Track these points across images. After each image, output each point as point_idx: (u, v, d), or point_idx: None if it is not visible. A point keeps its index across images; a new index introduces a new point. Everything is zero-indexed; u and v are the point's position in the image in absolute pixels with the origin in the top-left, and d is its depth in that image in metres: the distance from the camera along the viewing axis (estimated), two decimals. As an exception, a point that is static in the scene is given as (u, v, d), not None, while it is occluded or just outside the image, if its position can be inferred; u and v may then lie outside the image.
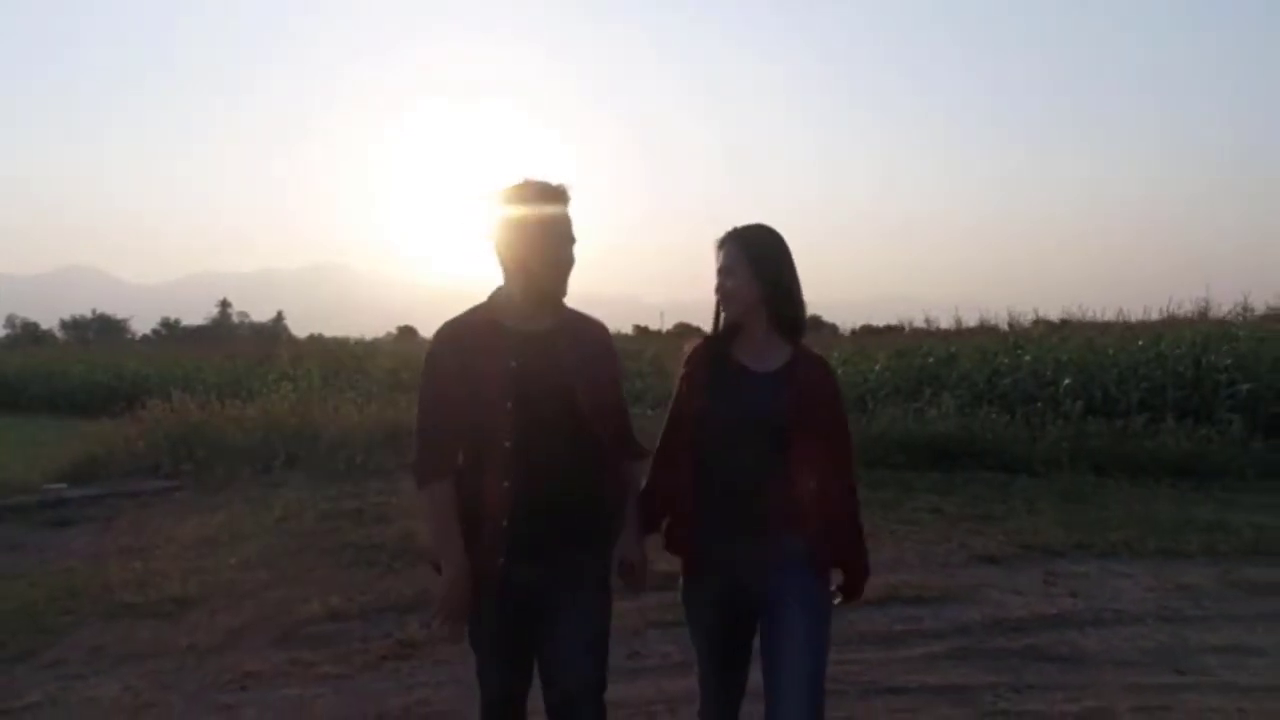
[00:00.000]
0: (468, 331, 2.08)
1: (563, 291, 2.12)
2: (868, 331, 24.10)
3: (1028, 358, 11.27)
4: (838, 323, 27.63)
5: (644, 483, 2.22)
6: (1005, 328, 15.03)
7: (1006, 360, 11.42)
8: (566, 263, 2.10)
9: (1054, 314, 15.52)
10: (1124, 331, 12.45)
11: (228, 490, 7.63)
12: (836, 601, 2.16)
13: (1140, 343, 10.89)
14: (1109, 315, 14.00)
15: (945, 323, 16.44)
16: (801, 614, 2.03)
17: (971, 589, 4.67)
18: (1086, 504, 6.75)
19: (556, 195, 2.06)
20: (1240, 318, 12.47)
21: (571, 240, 2.10)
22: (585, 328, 2.18)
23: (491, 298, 2.13)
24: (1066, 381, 10.19)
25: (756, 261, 2.12)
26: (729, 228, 2.17)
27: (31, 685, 3.58)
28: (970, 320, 15.95)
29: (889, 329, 22.46)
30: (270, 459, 8.56)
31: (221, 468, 8.15)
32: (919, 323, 18.10)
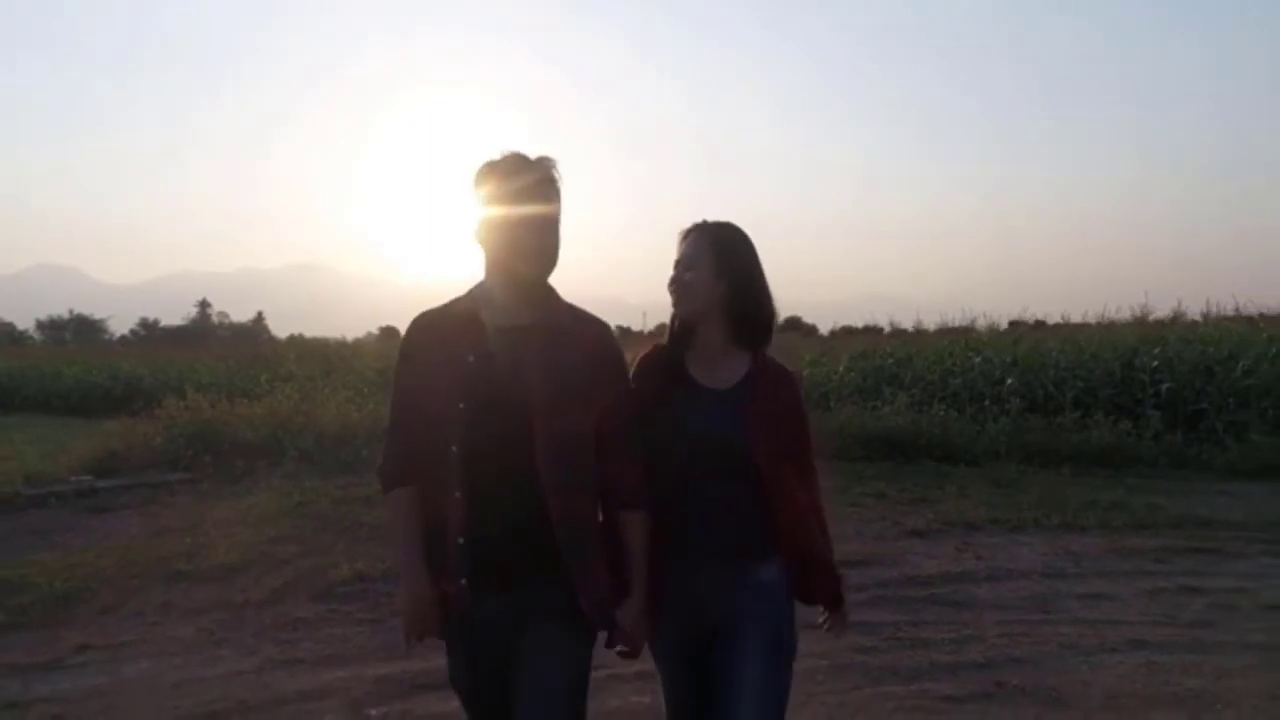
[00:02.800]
0: (441, 322, 1.88)
1: (543, 276, 1.86)
2: (847, 332, 25.02)
3: (978, 359, 12.26)
4: (818, 323, 28.62)
5: (639, 537, 1.89)
6: (976, 328, 16.12)
7: (958, 362, 12.42)
8: (543, 243, 1.82)
9: (1032, 314, 16.60)
10: (1071, 333, 13.50)
11: (246, 481, 8.40)
12: (826, 628, 2.06)
13: (1082, 344, 11.94)
14: (1080, 316, 15.12)
15: (927, 322, 17.53)
16: (763, 648, 1.89)
17: (895, 555, 5.59)
18: (1011, 489, 7.69)
19: (533, 167, 1.81)
20: (1174, 320, 13.58)
21: (554, 219, 1.83)
22: (577, 328, 1.87)
23: (474, 288, 1.91)
24: (1009, 381, 11.20)
25: (721, 258, 1.93)
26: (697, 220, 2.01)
27: (121, 630, 4.39)
28: (950, 319, 17.05)
29: (867, 329, 23.38)
30: (280, 454, 9.32)
31: (239, 461, 8.92)
32: (897, 324, 19.21)
